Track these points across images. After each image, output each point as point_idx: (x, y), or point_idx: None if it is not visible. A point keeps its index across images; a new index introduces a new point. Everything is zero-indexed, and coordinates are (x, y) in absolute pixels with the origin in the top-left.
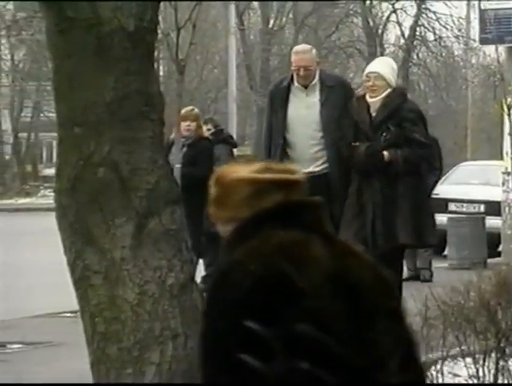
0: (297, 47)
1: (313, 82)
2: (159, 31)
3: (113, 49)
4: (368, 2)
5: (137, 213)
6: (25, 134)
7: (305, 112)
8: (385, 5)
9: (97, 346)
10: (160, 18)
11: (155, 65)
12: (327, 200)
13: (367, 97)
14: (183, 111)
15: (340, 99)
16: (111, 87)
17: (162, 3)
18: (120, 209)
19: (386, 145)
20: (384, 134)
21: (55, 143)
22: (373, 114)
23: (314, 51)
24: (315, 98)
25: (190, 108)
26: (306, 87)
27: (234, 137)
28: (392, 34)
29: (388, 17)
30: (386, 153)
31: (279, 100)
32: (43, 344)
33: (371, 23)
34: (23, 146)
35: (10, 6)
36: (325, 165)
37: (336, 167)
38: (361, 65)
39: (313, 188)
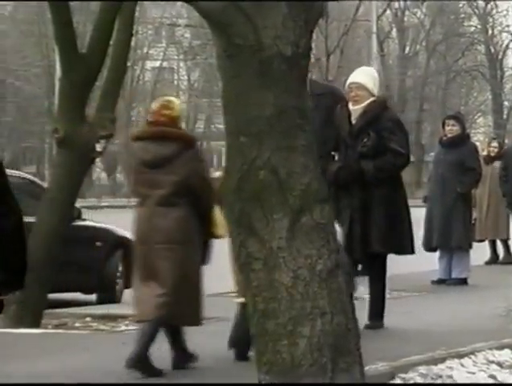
0: None
1: None
2: (312, 56)
3: (272, 71)
4: (490, 32)
5: (292, 209)
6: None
7: None
8: (504, 34)
9: (257, 322)
10: (313, 45)
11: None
12: None
13: (350, 106)
14: None
15: (329, 106)
16: (271, 103)
17: (314, 33)
18: (278, 206)
19: (365, 150)
20: (365, 140)
21: (223, 150)
22: (354, 122)
23: None
24: None
25: None
26: None
27: None
28: (511, 59)
29: (507, 44)
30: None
31: None
32: (211, 319)
33: (492, 50)
34: None
35: (188, 34)
36: None
37: None
38: (484, 86)
39: None
